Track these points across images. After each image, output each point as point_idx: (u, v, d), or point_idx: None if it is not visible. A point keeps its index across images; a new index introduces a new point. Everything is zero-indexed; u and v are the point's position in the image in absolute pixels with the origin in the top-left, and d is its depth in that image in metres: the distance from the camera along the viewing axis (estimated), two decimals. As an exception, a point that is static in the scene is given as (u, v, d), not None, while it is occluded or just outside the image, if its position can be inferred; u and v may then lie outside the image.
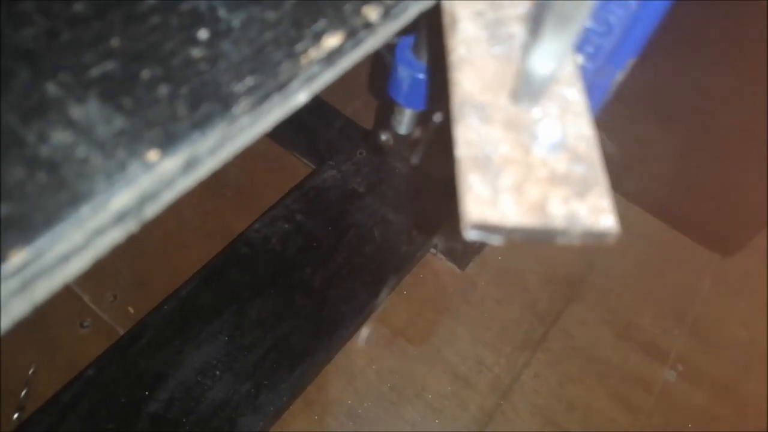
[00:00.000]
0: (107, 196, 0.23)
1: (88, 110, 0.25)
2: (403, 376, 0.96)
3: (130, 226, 0.24)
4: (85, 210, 0.22)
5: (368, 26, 0.31)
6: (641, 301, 1.08)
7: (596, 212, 0.25)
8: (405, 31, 0.38)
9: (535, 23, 0.30)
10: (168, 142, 0.24)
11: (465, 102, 0.27)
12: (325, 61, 0.29)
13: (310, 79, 0.29)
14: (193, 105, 0.26)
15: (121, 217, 0.23)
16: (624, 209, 1.16)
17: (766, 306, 1.07)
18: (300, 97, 0.29)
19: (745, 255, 1.12)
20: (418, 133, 0.63)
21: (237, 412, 0.81)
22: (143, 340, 0.84)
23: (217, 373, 0.83)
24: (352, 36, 0.30)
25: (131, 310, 0.96)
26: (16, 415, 0.85)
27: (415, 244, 0.99)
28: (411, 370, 0.96)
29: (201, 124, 0.25)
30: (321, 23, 0.30)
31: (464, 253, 1.05)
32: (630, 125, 1.01)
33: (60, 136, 0.24)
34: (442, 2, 0.33)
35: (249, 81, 0.27)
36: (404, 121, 0.61)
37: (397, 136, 0.63)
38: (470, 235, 0.25)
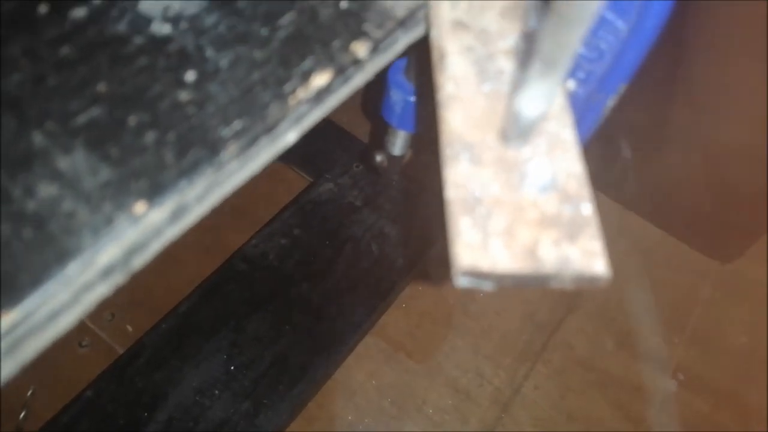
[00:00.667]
0: (94, 251, 0.22)
1: (75, 161, 0.24)
2: (403, 390, 0.95)
3: (118, 280, 0.24)
4: (72, 267, 0.22)
5: (357, 62, 0.31)
6: (641, 310, 1.08)
7: (588, 256, 0.25)
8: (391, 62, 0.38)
9: (526, 57, 0.30)
10: (155, 192, 0.24)
11: (454, 142, 0.27)
12: (313, 101, 0.29)
13: (299, 119, 0.29)
14: (181, 152, 0.26)
15: (108, 272, 0.23)
16: (623, 217, 1.16)
17: (767, 313, 1.07)
18: (288, 137, 0.29)
19: (745, 262, 1.12)
20: (412, 154, 0.62)
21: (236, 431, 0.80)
22: (141, 359, 0.84)
23: (216, 392, 0.83)
24: (341, 73, 0.30)
25: (129, 328, 0.96)
26: (15, 437, 0.85)
27: (412, 257, 0.99)
28: (411, 384, 0.96)
29: (188, 171, 0.25)
30: (309, 61, 0.30)
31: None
32: (628, 133, 1.01)
33: (46, 190, 0.23)
34: (431, 36, 0.33)
35: (237, 124, 0.27)
36: (398, 143, 0.61)
37: (391, 157, 0.63)
38: (461, 282, 0.24)
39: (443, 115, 0.28)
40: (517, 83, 0.27)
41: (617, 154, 1.00)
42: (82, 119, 0.26)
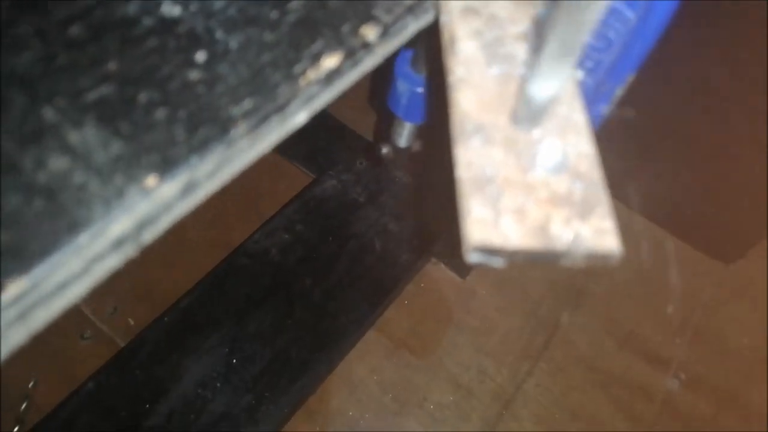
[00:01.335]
0: (105, 222, 0.22)
1: (85, 135, 0.24)
2: (404, 386, 0.95)
3: (129, 252, 0.24)
4: (83, 237, 0.22)
5: (366, 46, 0.31)
6: (643, 310, 1.08)
7: (599, 234, 0.25)
8: (404, 46, 0.38)
9: (536, 42, 0.30)
10: (166, 167, 0.24)
11: (465, 123, 0.27)
12: (323, 82, 0.29)
13: (309, 100, 0.29)
14: (191, 129, 0.26)
15: (119, 243, 0.23)
16: (625, 217, 1.16)
17: (768, 313, 1.07)
18: (299, 118, 0.29)
19: (747, 262, 1.12)
20: (418, 145, 0.62)
21: (238, 425, 0.80)
22: (143, 352, 0.84)
23: (218, 385, 0.83)
24: (351, 56, 0.30)
25: (131, 321, 0.96)
26: (16, 429, 0.85)
27: (415, 254, 0.99)
28: (413, 380, 0.96)
29: (199, 148, 0.25)
30: (319, 44, 0.30)
31: (464, 261, 1.04)
32: (631, 134, 1.01)
33: (57, 162, 0.23)
34: (441, 20, 0.33)
35: (247, 104, 0.27)
36: (404, 134, 0.61)
37: (397, 149, 0.63)
38: (472, 258, 0.24)
39: (454, 97, 0.28)
40: (530, 65, 0.27)
41: (620, 154, 1.00)
42: (92, 96, 0.26)
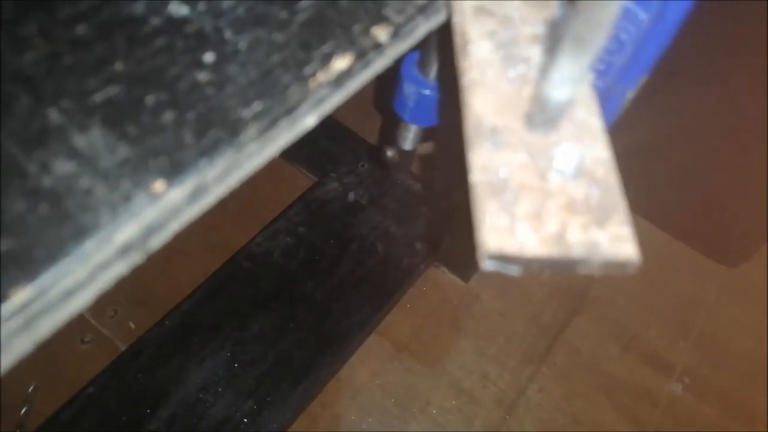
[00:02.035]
0: (112, 229, 0.22)
1: (92, 138, 0.24)
2: (407, 390, 0.95)
3: (135, 259, 0.23)
4: (89, 244, 0.21)
5: (378, 47, 0.30)
6: (646, 314, 1.07)
7: (617, 241, 0.24)
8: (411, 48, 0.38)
9: (551, 44, 0.29)
10: (174, 172, 0.24)
11: (479, 126, 0.27)
12: (334, 84, 0.29)
13: (319, 102, 0.28)
14: (200, 131, 0.25)
15: (125, 250, 0.22)
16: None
17: (772, 317, 1.07)
18: (308, 121, 0.28)
19: (750, 266, 1.11)
20: (423, 149, 0.62)
21: (239, 430, 0.80)
22: (144, 356, 0.83)
23: (219, 389, 0.82)
24: (362, 57, 0.30)
25: (132, 325, 0.95)
26: (15, 433, 0.85)
27: (418, 257, 0.98)
28: (415, 384, 0.95)
29: (208, 151, 0.25)
30: (329, 45, 0.29)
31: (467, 265, 1.04)
32: (634, 138, 1.00)
33: (63, 166, 0.23)
34: (453, 21, 0.32)
35: (257, 106, 0.26)
36: (410, 137, 0.61)
37: (402, 152, 0.63)
38: (487, 266, 0.24)
39: (467, 100, 0.28)
40: (545, 67, 0.26)
41: (624, 158, 0.99)
42: (98, 98, 0.25)
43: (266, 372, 0.84)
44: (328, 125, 1.12)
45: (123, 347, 0.91)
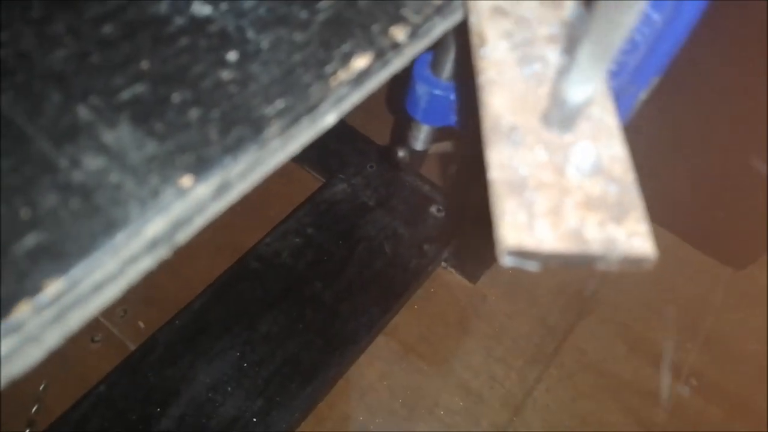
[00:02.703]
0: (141, 223, 0.22)
1: (120, 135, 0.24)
2: (414, 391, 0.95)
3: (162, 253, 0.24)
4: (120, 238, 0.22)
5: (396, 47, 0.31)
6: (653, 315, 1.07)
7: (634, 237, 0.24)
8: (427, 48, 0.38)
9: (569, 45, 0.30)
10: (200, 168, 0.24)
11: (496, 125, 0.27)
12: (354, 83, 0.29)
13: (339, 100, 0.29)
14: (225, 129, 0.26)
15: (154, 244, 0.23)
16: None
17: (780, 320, 1.07)
18: (329, 118, 0.29)
19: (758, 268, 1.11)
20: (438, 148, 0.62)
21: (248, 429, 0.80)
22: (154, 355, 0.84)
23: (229, 389, 0.82)
24: (381, 57, 0.30)
25: (142, 324, 0.96)
26: (26, 432, 0.85)
27: (426, 258, 0.98)
28: (423, 385, 0.96)
29: (233, 148, 0.25)
30: (349, 44, 0.30)
31: (475, 266, 1.04)
32: (642, 140, 1.01)
33: (92, 162, 0.23)
34: (470, 21, 0.32)
35: (279, 104, 0.27)
36: (421, 138, 0.61)
37: (413, 152, 0.63)
38: (506, 261, 0.24)
39: (484, 99, 0.28)
40: (563, 68, 0.27)
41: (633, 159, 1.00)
42: (126, 95, 0.26)
43: (275, 372, 0.85)
44: (337, 126, 1.13)
45: (133, 347, 0.91)
